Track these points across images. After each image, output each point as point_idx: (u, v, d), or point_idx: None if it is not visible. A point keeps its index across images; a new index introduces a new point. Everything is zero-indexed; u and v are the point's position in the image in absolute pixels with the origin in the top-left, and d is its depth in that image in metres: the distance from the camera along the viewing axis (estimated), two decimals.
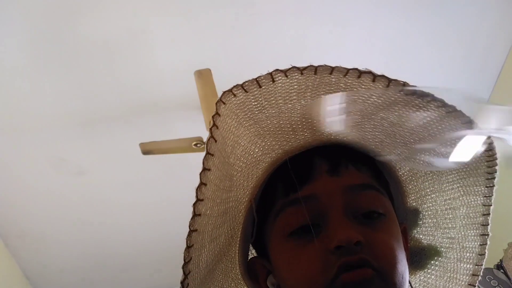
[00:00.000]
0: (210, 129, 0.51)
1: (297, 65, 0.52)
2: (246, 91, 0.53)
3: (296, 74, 0.51)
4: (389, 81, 0.51)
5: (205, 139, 2.49)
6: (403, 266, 0.50)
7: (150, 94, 2.40)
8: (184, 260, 0.51)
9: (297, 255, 0.50)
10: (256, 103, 0.54)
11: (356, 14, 2.15)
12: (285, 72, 0.51)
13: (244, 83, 0.53)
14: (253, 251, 0.63)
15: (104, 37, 2.13)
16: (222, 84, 2.34)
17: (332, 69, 0.51)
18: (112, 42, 2.15)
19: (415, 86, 0.51)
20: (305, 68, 0.51)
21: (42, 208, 3.00)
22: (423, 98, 0.51)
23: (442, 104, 0.51)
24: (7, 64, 2.18)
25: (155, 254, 3.55)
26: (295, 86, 0.52)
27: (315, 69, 0.51)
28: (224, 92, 0.54)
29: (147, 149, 2.33)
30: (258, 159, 0.57)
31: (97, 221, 3.18)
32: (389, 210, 0.54)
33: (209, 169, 0.50)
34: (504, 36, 2.32)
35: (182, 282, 0.51)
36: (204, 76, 1.98)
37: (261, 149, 0.56)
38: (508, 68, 2.42)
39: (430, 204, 0.60)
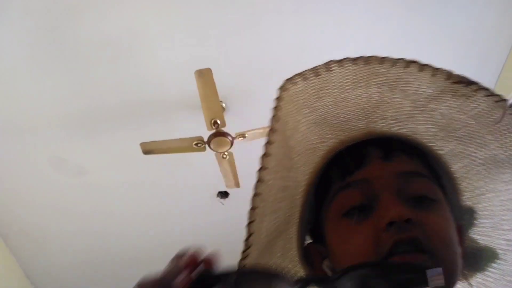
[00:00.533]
0: (274, 108, 0.54)
1: (334, 59, 0.55)
2: (304, 80, 0.55)
3: (349, 64, 0.54)
4: (435, 70, 0.52)
5: (205, 139, 2.49)
6: (456, 249, 0.50)
7: (151, 93, 2.40)
8: (248, 220, 0.53)
9: (351, 233, 0.51)
10: (313, 91, 0.56)
11: (357, 14, 2.15)
12: (339, 62, 0.54)
13: (303, 71, 0.55)
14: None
15: (105, 38, 2.13)
16: (222, 84, 2.35)
17: (382, 59, 0.54)
18: (113, 42, 2.15)
19: (460, 74, 0.52)
20: (357, 58, 0.54)
21: (42, 207, 3.01)
22: (470, 86, 0.52)
23: (489, 93, 0.51)
24: (9, 64, 2.18)
25: (156, 252, 3.55)
26: (349, 76, 0.55)
27: (366, 60, 0.54)
28: (285, 80, 0.56)
29: (148, 149, 2.33)
30: (315, 146, 0.59)
31: (98, 221, 3.18)
32: (441, 198, 0.54)
33: (273, 143, 0.52)
34: (505, 35, 2.32)
35: (246, 241, 0.52)
36: (204, 76, 1.97)
37: (318, 137, 0.59)
38: (509, 67, 2.42)
39: (486, 204, 0.59)
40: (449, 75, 0.52)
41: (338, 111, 0.58)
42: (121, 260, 3.56)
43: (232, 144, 2.28)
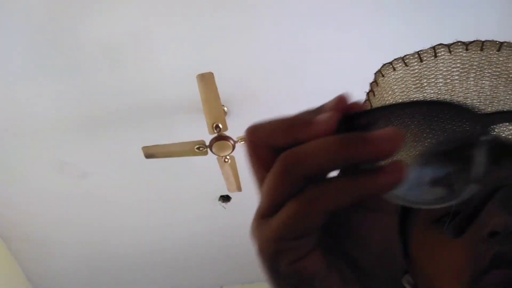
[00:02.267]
0: (367, 93, 0.48)
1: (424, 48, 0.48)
2: (406, 65, 0.48)
3: (460, 50, 0.46)
4: None
5: (207, 143, 2.48)
6: None
7: (153, 97, 2.40)
8: None
9: (442, 243, 0.43)
10: (414, 79, 0.49)
11: (357, 17, 2.15)
12: (449, 46, 0.47)
13: (405, 56, 0.48)
14: None
15: (106, 41, 2.14)
16: (224, 88, 2.35)
17: (500, 45, 0.46)
18: (114, 46, 2.16)
19: None
20: (470, 43, 0.46)
21: (45, 211, 3.01)
22: None
23: None
24: (11, 67, 2.18)
25: (158, 257, 3.55)
26: (458, 64, 0.47)
27: (481, 45, 0.46)
28: (384, 64, 0.48)
29: (150, 153, 2.33)
30: (409, 145, 0.52)
31: (100, 224, 3.18)
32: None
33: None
34: (507, 38, 2.31)
35: None
36: (206, 79, 1.98)
37: (413, 134, 0.49)
38: None
39: None
40: None
41: None
42: (123, 264, 3.56)
43: (234, 148, 2.28)
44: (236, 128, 2.30)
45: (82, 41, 2.12)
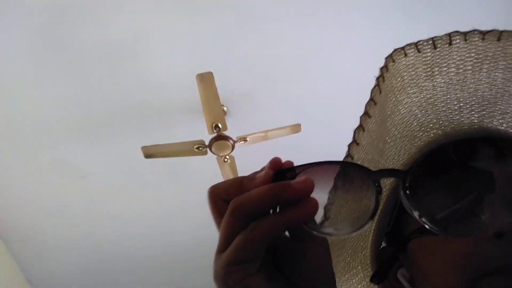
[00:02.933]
0: (377, 78, 0.47)
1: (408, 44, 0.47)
2: (419, 51, 0.46)
3: (476, 38, 0.44)
4: None
5: (207, 142, 2.49)
6: None
7: (152, 97, 2.40)
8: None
9: (445, 244, 0.42)
10: (425, 67, 0.47)
11: (357, 19, 2.15)
12: (465, 34, 0.45)
13: (418, 41, 0.46)
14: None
15: (106, 42, 2.13)
16: (224, 88, 2.34)
17: None
18: (114, 46, 2.16)
19: None
20: (488, 32, 0.44)
21: (44, 212, 3.01)
22: None
23: None
24: (11, 69, 2.18)
25: (156, 258, 3.55)
26: (473, 54, 0.45)
27: (499, 35, 0.43)
28: (395, 50, 0.47)
29: (149, 153, 2.33)
30: (414, 134, 0.50)
31: (99, 225, 3.18)
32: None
33: (370, 116, 0.45)
34: None
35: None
36: (206, 80, 1.98)
37: (420, 124, 0.50)
38: None
39: None
40: None
41: (450, 96, 0.48)
42: (122, 264, 3.56)
43: (233, 148, 2.28)
44: (236, 128, 2.30)
45: (82, 42, 2.12)
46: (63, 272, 3.54)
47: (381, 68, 0.47)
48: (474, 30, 0.44)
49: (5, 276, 3.27)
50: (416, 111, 0.49)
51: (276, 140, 2.27)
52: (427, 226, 0.35)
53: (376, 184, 0.33)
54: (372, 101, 0.46)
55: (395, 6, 2.12)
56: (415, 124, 0.50)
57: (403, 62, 0.47)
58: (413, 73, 0.47)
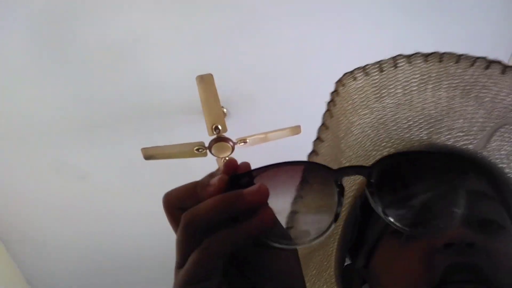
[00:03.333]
0: (328, 102, 0.48)
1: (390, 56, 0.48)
2: (367, 75, 0.48)
3: (420, 61, 0.47)
4: None
5: (207, 144, 2.49)
6: None
7: (152, 99, 2.41)
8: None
9: (399, 253, 0.44)
10: (374, 89, 0.49)
11: (359, 17, 2.16)
12: (408, 57, 0.47)
13: (366, 65, 0.48)
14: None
15: (106, 43, 2.14)
16: (224, 89, 2.34)
17: (458, 57, 0.46)
18: (114, 47, 2.16)
19: None
20: (430, 54, 0.46)
21: (43, 213, 3.00)
22: None
23: None
24: (11, 69, 2.18)
25: (156, 259, 3.54)
26: (417, 75, 0.48)
27: (440, 57, 0.46)
28: (345, 74, 0.49)
29: (149, 154, 2.33)
30: (368, 153, 0.52)
31: (98, 226, 3.18)
32: (511, 228, 0.46)
33: (323, 141, 0.46)
34: (506, 40, 2.32)
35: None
36: (206, 81, 1.98)
37: (373, 143, 0.52)
38: None
39: None
40: None
41: (399, 115, 0.51)
42: (122, 265, 3.55)
43: (233, 149, 2.28)
44: (236, 130, 2.30)
45: (82, 43, 2.12)
46: (63, 273, 3.54)
47: (332, 93, 0.48)
48: (417, 53, 0.47)
49: (5, 276, 3.27)
50: (369, 131, 0.52)
51: (276, 141, 2.27)
52: (392, 223, 0.33)
53: (338, 183, 0.31)
54: (323, 125, 0.47)
55: (396, 6, 2.12)
56: (368, 144, 0.52)
57: (353, 86, 0.49)
58: (363, 95, 0.49)
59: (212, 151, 2.27)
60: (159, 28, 2.11)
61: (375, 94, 0.50)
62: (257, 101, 2.45)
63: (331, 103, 0.48)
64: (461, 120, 0.50)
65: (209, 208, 0.28)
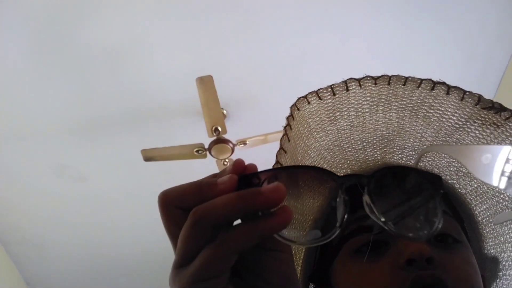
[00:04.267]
0: (284, 127, 0.50)
1: (327, 85, 0.50)
2: (320, 98, 0.50)
3: (369, 84, 0.49)
4: (463, 93, 0.46)
5: (206, 146, 2.49)
6: None
7: (152, 100, 2.41)
8: None
9: (363, 273, 0.45)
10: (328, 112, 0.51)
11: (357, 21, 2.16)
12: (359, 81, 0.49)
13: (319, 89, 0.50)
14: None
15: (106, 45, 2.14)
16: (223, 91, 2.35)
17: (405, 80, 0.48)
18: (114, 49, 2.16)
19: (491, 100, 0.45)
20: (379, 77, 0.48)
21: (43, 214, 3.00)
22: (500, 113, 0.45)
23: None
24: (10, 71, 2.18)
25: (155, 260, 3.54)
26: (368, 98, 0.50)
27: (388, 79, 0.48)
28: (299, 98, 0.51)
29: (149, 156, 2.33)
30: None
31: (98, 228, 3.18)
32: (466, 241, 0.48)
33: (281, 164, 0.48)
34: (504, 44, 2.32)
35: None
36: (205, 83, 1.98)
37: (330, 165, 0.54)
38: (509, 76, 2.42)
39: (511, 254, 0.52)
40: (478, 100, 0.45)
41: (353, 137, 0.53)
42: (121, 268, 3.55)
43: (233, 151, 2.28)
44: (236, 131, 2.31)
45: (82, 44, 2.12)
46: (62, 274, 3.53)
47: (287, 118, 0.49)
48: (367, 76, 0.48)
49: (4, 278, 3.27)
50: (325, 153, 0.53)
51: (276, 143, 2.27)
52: (385, 226, 0.35)
53: (344, 188, 0.32)
54: (282, 150, 0.48)
55: (396, 8, 2.12)
56: (325, 166, 0.54)
57: (307, 110, 0.50)
58: (318, 118, 0.51)
59: (212, 153, 2.27)
60: (159, 30, 2.12)
61: (329, 117, 0.51)
62: (257, 102, 2.46)
63: (288, 127, 0.49)
64: (412, 140, 0.51)
65: (225, 204, 0.28)
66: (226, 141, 2.24)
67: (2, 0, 1.89)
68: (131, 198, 2.98)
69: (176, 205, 0.31)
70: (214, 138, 2.22)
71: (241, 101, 2.44)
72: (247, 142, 2.29)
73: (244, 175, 0.30)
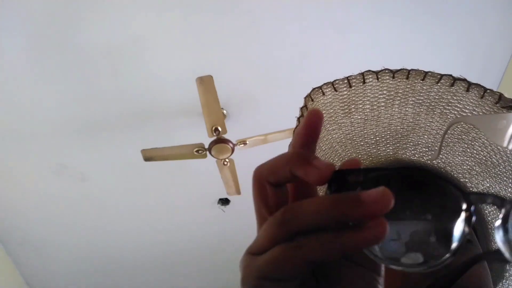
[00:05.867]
0: (298, 118, 0.48)
1: (371, 68, 0.48)
2: (335, 90, 0.48)
3: (387, 77, 0.47)
4: (484, 91, 0.44)
5: (206, 146, 2.49)
6: None
7: (152, 100, 2.40)
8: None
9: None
10: (343, 105, 0.49)
11: (357, 20, 2.16)
12: (377, 73, 0.47)
13: (335, 81, 0.48)
14: None
15: (106, 45, 2.14)
16: (223, 91, 2.34)
17: (425, 74, 0.46)
18: (114, 49, 2.16)
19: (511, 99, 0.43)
20: (397, 71, 0.47)
21: (44, 215, 3.00)
22: None
23: None
24: (10, 71, 2.18)
25: (156, 260, 3.54)
26: (385, 91, 0.48)
27: (407, 73, 0.46)
28: (313, 89, 0.49)
29: (149, 156, 2.33)
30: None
31: (98, 228, 3.18)
32: (476, 241, 0.47)
33: None
34: (505, 43, 2.32)
35: None
36: (205, 83, 1.98)
37: (341, 159, 0.53)
38: (510, 75, 2.42)
39: None
40: (499, 98, 0.43)
41: (367, 131, 0.51)
42: (121, 268, 3.55)
43: (233, 151, 2.28)
44: (235, 131, 2.30)
45: (82, 44, 2.12)
46: (62, 275, 3.53)
47: (301, 108, 0.48)
48: (385, 69, 0.47)
49: (4, 279, 3.27)
50: (337, 146, 0.52)
51: (276, 143, 2.27)
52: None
53: (473, 208, 0.26)
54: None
55: (397, 7, 2.12)
56: (336, 159, 0.52)
57: (321, 101, 0.49)
58: (332, 111, 0.50)
59: (212, 153, 2.27)
60: (159, 30, 2.11)
61: (343, 110, 0.50)
62: (257, 102, 2.45)
63: (302, 118, 0.47)
64: (426, 136, 0.50)
65: (317, 211, 0.24)
66: (226, 141, 2.24)
67: (2, 0, 1.89)
68: (131, 198, 2.98)
69: (268, 181, 0.27)
70: (214, 138, 2.22)
71: (241, 101, 2.44)
72: (247, 142, 2.29)
73: (341, 171, 0.26)
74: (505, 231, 0.26)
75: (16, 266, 3.35)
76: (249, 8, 2.06)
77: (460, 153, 0.50)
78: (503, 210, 0.26)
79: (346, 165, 0.27)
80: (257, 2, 2.05)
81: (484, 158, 0.49)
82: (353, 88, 0.48)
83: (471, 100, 0.45)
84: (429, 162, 0.51)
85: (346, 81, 0.48)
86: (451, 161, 0.51)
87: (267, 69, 2.31)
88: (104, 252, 3.39)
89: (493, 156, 0.48)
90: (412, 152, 0.52)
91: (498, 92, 0.44)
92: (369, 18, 2.15)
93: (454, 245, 0.26)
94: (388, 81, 0.47)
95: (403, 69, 0.47)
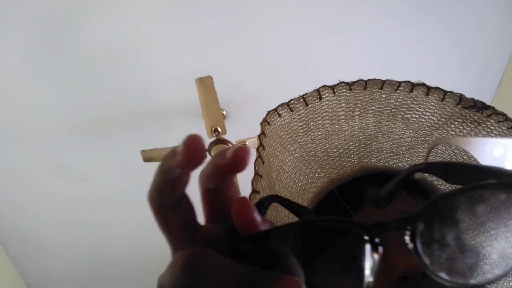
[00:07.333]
0: (257, 149, 0.47)
1: (324, 84, 0.47)
2: (291, 110, 0.48)
3: (344, 90, 0.47)
4: (444, 94, 0.44)
5: (206, 146, 2.51)
6: None
7: (152, 101, 2.41)
8: None
9: None
10: (301, 123, 0.49)
11: (357, 21, 2.16)
12: (332, 88, 0.47)
13: (290, 101, 0.48)
14: None
15: (105, 45, 2.14)
16: (223, 91, 2.35)
17: (382, 83, 0.46)
18: (113, 49, 2.16)
19: (472, 98, 0.45)
20: (354, 83, 0.46)
21: (43, 215, 3.00)
22: (482, 111, 0.43)
23: (504, 118, 0.43)
24: (9, 71, 2.18)
25: (156, 261, 3.53)
26: (343, 104, 0.48)
27: (364, 84, 0.46)
28: (269, 112, 0.49)
29: (148, 156, 2.33)
30: (303, 188, 0.52)
31: (98, 229, 3.18)
32: None
33: (258, 192, 0.45)
34: (504, 43, 2.32)
35: None
36: (205, 83, 1.98)
37: (306, 177, 0.52)
38: (509, 76, 2.42)
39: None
40: (460, 99, 0.44)
41: (329, 145, 0.51)
42: (121, 269, 3.55)
43: None
44: (235, 132, 2.30)
45: (82, 44, 2.12)
46: (62, 276, 3.53)
47: (259, 136, 0.48)
48: (341, 82, 0.46)
49: (3, 279, 3.26)
50: (300, 165, 0.51)
51: None
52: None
53: (377, 241, 0.24)
54: (257, 175, 0.45)
55: (398, 8, 2.13)
56: (301, 178, 0.52)
57: (278, 123, 0.49)
58: (290, 131, 0.49)
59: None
60: (158, 30, 2.12)
61: (302, 128, 0.50)
62: (257, 103, 2.45)
63: (260, 147, 0.47)
64: (390, 142, 0.50)
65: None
66: (226, 142, 2.24)
67: (2, 0, 1.89)
68: (131, 199, 2.98)
69: (162, 205, 0.28)
70: (214, 138, 2.22)
71: (241, 102, 2.44)
72: (247, 143, 2.29)
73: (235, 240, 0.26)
74: (417, 252, 0.24)
75: (16, 267, 3.35)
76: (249, 8, 2.07)
77: (424, 155, 0.49)
78: (407, 233, 0.24)
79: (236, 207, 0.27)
80: (258, 2, 2.05)
81: (449, 158, 0.48)
82: (309, 106, 0.48)
83: (432, 103, 0.45)
84: (395, 166, 0.50)
85: (301, 100, 0.48)
86: (440, 157, 0.50)
87: (267, 70, 2.31)
88: (104, 253, 3.39)
89: (459, 155, 0.47)
90: (377, 158, 0.52)
91: (458, 93, 0.44)
92: (370, 19, 2.15)
93: (366, 282, 0.24)
94: (345, 93, 0.47)
95: (360, 80, 0.47)
